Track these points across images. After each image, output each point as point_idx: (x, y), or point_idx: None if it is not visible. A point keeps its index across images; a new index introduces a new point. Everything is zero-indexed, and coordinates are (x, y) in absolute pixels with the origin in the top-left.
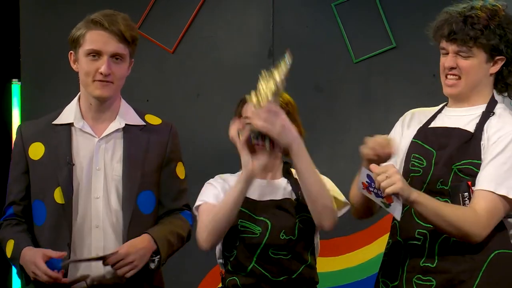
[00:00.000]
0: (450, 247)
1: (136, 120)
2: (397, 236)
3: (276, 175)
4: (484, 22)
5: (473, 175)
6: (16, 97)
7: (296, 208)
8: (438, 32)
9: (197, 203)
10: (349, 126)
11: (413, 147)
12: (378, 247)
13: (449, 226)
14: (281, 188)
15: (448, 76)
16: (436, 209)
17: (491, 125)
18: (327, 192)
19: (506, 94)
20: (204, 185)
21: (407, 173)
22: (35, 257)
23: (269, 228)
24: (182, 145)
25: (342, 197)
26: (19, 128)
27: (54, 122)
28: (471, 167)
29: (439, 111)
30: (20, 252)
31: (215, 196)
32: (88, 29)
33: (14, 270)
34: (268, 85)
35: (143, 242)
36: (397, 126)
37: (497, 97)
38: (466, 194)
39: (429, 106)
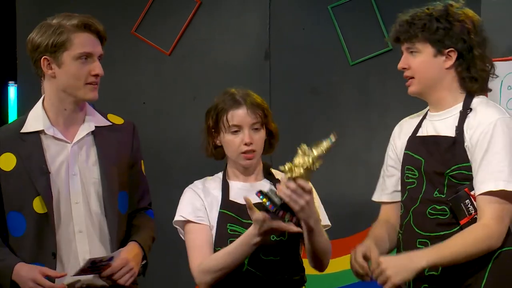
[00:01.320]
0: None
1: (102, 121)
2: (401, 249)
3: (258, 177)
4: (425, 17)
5: (467, 179)
6: (12, 99)
7: (282, 209)
8: (391, 38)
9: (178, 217)
10: (346, 128)
11: (406, 158)
12: None
13: (470, 256)
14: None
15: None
16: (451, 255)
17: (470, 125)
18: (329, 245)
19: (474, 91)
20: (184, 193)
21: (404, 186)
22: (33, 274)
23: None
24: (178, 148)
25: (325, 219)
26: None
27: (22, 131)
28: (462, 171)
29: (424, 117)
30: (11, 268)
31: (196, 211)
32: (73, 33)
33: None
34: (304, 160)
35: (134, 249)
36: (389, 147)
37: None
38: (467, 201)
39: (425, 109)
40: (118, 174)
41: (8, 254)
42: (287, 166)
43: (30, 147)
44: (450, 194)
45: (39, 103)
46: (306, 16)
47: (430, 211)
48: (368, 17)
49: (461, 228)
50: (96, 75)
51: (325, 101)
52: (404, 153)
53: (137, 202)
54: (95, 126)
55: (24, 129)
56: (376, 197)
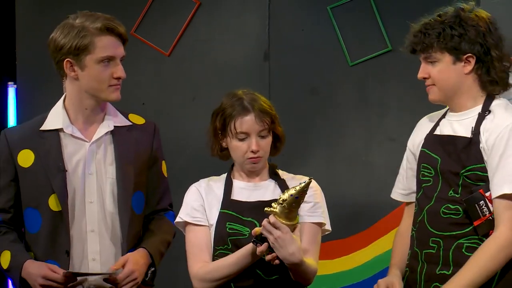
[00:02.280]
0: (464, 253)
1: (122, 120)
2: (414, 247)
3: (263, 177)
4: (439, 26)
5: (482, 180)
6: (12, 100)
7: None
8: (407, 49)
9: (180, 218)
10: (345, 128)
11: (422, 156)
12: (373, 250)
13: (492, 272)
14: (269, 190)
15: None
16: (472, 280)
17: (487, 127)
18: (314, 274)
19: (496, 93)
20: (187, 192)
21: (420, 184)
22: (44, 270)
23: None
24: (178, 149)
25: (327, 222)
26: (3, 135)
27: (42, 128)
28: (476, 172)
29: (443, 116)
30: (21, 265)
31: (193, 211)
32: (96, 36)
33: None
34: (281, 196)
35: (143, 258)
36: (408, 147)
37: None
38: (482, 202)
39: (424, 109)
40: (135, 174)
41: (20, 251)
42: (273, 205)
43: (49, 145)
44: (465, 194)
45: (60, 102)
46: (306, 17)
47: (443, 210)
48: (367, 18)
49: (475, 229)
50: (118, 78)
51: (324, 101)
52: (421, 151)
53: (156, 203)
54: (114, 126)
55: (44, 127)
56: (394, 195)
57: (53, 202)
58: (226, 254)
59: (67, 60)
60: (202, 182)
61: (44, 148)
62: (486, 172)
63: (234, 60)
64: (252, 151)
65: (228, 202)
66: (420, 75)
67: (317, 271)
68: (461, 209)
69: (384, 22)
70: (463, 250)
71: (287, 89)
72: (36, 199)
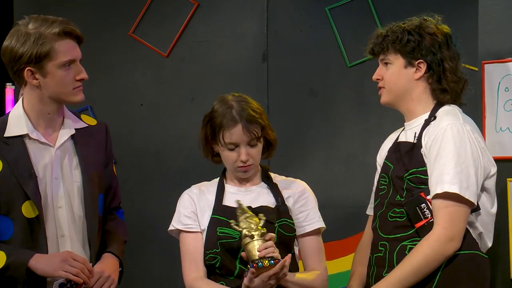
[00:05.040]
0: (406, 255)
1: (79, 123)
2: (370, 253)
3: (255, 181)
4: (398, 31)
5: (424, 183)
6: (10, 101)
7: (276, 214)
8: (367, 51)
9: (172, 226)
10: (343, 130)
11: (382, 167)
12: None
13: (426, 270)
14: (260, 194)
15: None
16: (404, 277)
17: (429, 132)
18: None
19: (446, 102)
20: (179, 199)
21: (377, 193)
22: (65, 254)
23: None
24: (176, 149)
25: (321, 221)
26: None
27: (6, 135)
28: (418, 175)
29: (403, 128)
30: (28, 258)
31: (185, 219)
32: (55, 41)
33: None
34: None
35: (109, 259)
36: (377, 165)
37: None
38: (423, 205)
39: None
40: (98, 176)
41: (14, 249)
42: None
43: (16, 151)
44: (408, 198)
45: (19, 107)
46: (304, 18)
47: (390, 214)
48: (365, 19)
49: (417, 232)
50: (81, 79)
51: (322, 102)
52: (383, 163)
53: (109, 202)
54: (75, 129)
55: (7, 133)
56: (367, 211)
57: (27, 209)
58: (216, 258)
59: (28, 69)
60: (194, 188)
61: (12, 155)
62: (428, 175)
63: (232, 61)
64: (242, 161)
65: (219, 207)
66: (374, 76)
67: (327, 279)
68: (405, 212)
69: (382, 23)
70: (406, 252)
71: (285, 90)
72: (6, 206)
